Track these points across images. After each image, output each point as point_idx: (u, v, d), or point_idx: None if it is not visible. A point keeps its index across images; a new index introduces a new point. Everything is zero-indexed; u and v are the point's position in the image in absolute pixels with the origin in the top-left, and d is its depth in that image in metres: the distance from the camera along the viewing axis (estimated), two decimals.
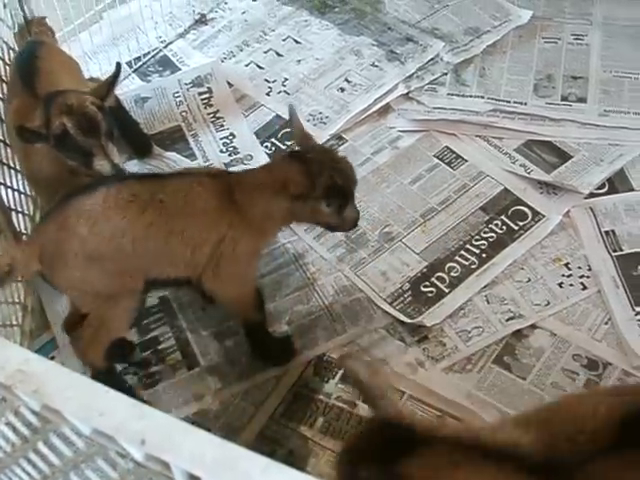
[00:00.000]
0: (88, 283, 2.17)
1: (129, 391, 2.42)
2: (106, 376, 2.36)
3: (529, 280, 2.65)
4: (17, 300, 2.61)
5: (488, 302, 2.60)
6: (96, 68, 3.31)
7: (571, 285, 2.64)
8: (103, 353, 2.32)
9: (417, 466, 1.44)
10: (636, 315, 2.53)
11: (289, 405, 2.41)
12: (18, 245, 2.18)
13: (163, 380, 2.51)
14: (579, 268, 2.67)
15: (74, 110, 2.23)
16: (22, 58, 2.66)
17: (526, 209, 2.84)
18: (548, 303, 2.58)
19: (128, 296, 2.24)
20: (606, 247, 2.71)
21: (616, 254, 2.68)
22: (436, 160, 3.03)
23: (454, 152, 3.04)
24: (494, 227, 2.80)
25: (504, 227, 2.80)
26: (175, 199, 2.14)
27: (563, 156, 2.99)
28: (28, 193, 2.87)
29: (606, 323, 2.53)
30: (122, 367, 2.54)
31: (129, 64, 3.48)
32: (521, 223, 2.80)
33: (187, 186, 2.18)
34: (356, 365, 1.67)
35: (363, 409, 2.36)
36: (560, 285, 2.63)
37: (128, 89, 3.38)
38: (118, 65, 2.41)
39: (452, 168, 2.99)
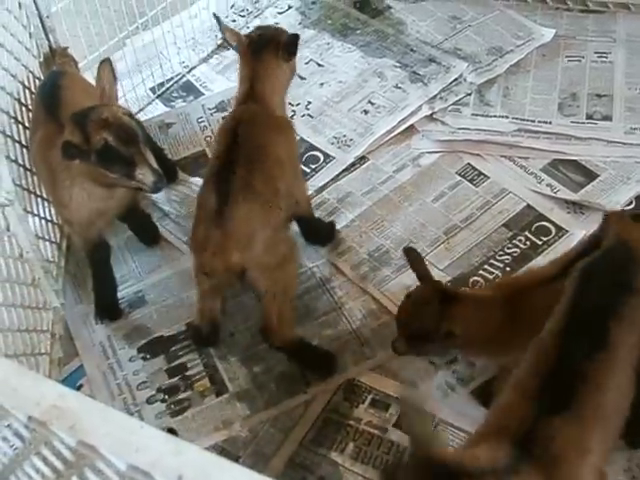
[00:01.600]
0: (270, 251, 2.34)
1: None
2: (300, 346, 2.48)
3: None
4: (45, 328, 2.62)
5: None
6: (119, 95, 3.31)
7: None
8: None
9: None
10: None
11: (319, 431, 2.39)
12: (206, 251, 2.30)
13: (192, 407, 2.50)
14: None
15: (110, 123, 2.23)
16: (45, 88, 2.68)
17: (550, 225, 2.82)
18: None
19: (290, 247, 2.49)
20: None
21: None
22: (458, 177, 3.02)
23: (476, 169, 3.04)
24: (518, 243, 2.78)
25: (528, 242, 2.78)
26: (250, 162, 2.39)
27: (590, 175, 2.97)
28: (55, 221, 2.89)
29: None
30: (149, 395, 2.54)
31: (153, 90, 3.50)
32: (545, 238, 2.78)
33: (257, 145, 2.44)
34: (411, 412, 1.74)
35: (394, 434, 2.34)
36: None
37: (152, 115, 3.41)
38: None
39: (474, 185, 2.98)
